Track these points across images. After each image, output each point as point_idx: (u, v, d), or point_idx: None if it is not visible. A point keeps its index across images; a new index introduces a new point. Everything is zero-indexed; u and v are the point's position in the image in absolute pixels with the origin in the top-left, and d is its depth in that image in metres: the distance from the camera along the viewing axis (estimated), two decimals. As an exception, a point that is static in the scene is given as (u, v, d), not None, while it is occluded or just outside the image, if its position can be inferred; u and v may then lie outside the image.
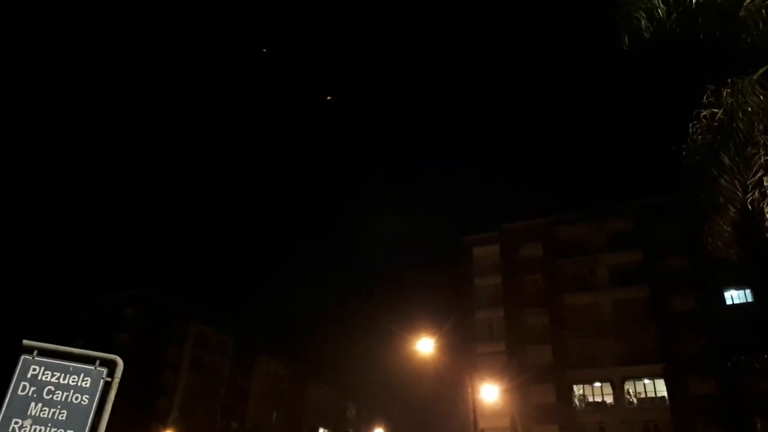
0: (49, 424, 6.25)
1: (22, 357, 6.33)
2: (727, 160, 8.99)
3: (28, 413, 6.20)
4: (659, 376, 41.52)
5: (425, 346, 20.52)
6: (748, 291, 41.51)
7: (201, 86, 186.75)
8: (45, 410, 6.27)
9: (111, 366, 6.74)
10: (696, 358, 40.45)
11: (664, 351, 41.70)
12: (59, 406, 6.33)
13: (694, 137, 9.31)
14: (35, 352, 6.41)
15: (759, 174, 8.55)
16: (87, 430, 6.39)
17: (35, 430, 6.19)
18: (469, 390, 23.01)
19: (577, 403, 43.35)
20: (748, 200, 8.71)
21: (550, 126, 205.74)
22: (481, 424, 26.47)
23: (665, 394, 41.16)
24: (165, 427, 58.49)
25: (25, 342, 6.35)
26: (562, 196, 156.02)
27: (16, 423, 6.13)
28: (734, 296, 41.94)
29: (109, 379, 6.66)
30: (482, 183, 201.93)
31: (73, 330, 65.51)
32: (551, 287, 47.36)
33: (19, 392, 6.24)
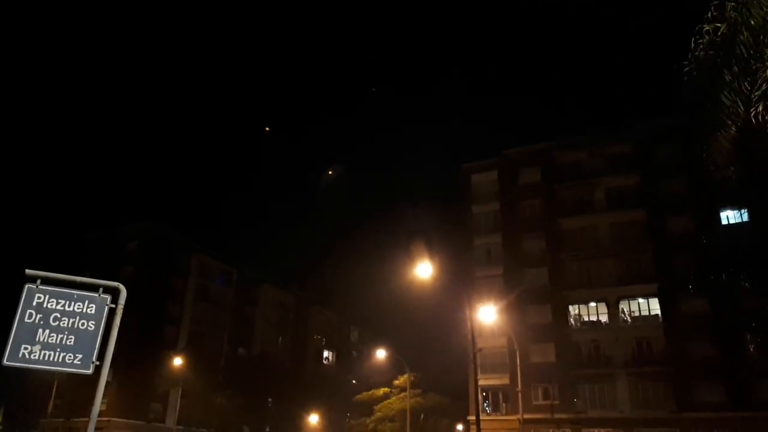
0: (58, 349, 6.45)
1: (26, 286, 6.45)
2: (728, 76, 8.83)
3: (37, 339, 6.38)
4: (653, 296, 42.53)
5: (424, 271, 20.79)
6: (744, 211, 41.85)
7: (203, 24, 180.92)
8: (53, 336, 6.46)
9: (114, 293, 6.88)
10: (690, 277, 41.24)
11: (659, 271, 42.50)
12: (66, 332, 6.52)
13: (697, 54, 9.11)
14: (39, 281, 6.52)
15: (764, 87, 8.41)
16: (95, 354, 6.60)
17: (45, 355, 6.40)
18: (468, 312, 23.59)
19: (573, 322, 44.59)
20: (752, 114, 8.61)
21: (549, 51, 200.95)
22: (480, 344, 27.32)
23: (659, 312, 42.28)
24: (174, 354, 60.34)
25: (28, 271, 6.46)
26: (562, 122, 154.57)
27: (26, 348, 6.33)
28: (730, 216, 42.33)
29: (113, 306, 6.81)
30: (483, 111, 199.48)
31: (80, 265, 66.46)
32: (549, 212, 47.70)
33: (26, 320, 6.40)
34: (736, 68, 8.65)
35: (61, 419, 60.16)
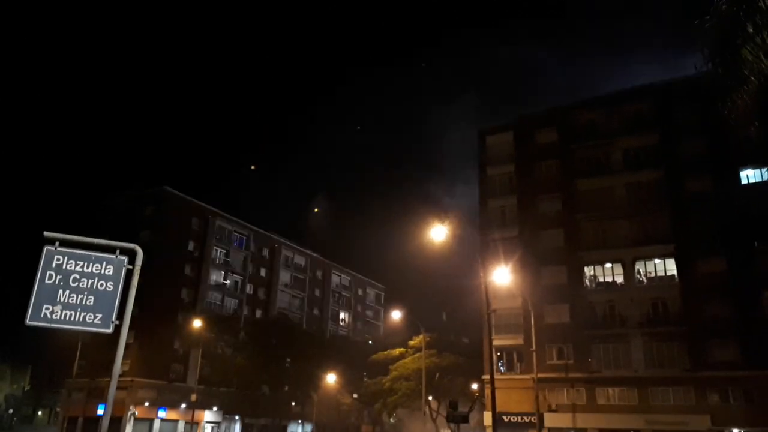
0: (78, 309, 6.60)
1: (45, 248, 6.57)
2: (751, 29, 8.55)
3: (57, 300, 6.53)
4: (670, 256, 42.24)
5: (438, 233, 20.81)
6: (765, 170, 41.13)
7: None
8: (73, 297, 6.60)
9: (131, 254, 6.99)
10: (708, 237, 40.92)
11: (676, 232, 42.14)
12: (86, 293, 6.65)
13: (718, 6, 8.82)
14: (57, 243, 6.63)
15: None
16: (114, 314, 6.75)
17: (66, 315, 6.55)
18: (482, 274, 23.69)
19: (588, 283, 44.56)
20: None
21: (567, 11, 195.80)
22: (494, 305, 27.54)
23: (675, 272, 42.07)
24: (194, 316, 61.53)
25: (47, 233, 6.57)
26: (579, 82, 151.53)
27: (47, 309, 6.49)
28: (750, 176, 41.64)
29: (130, 267, 6.93)
30: (502, 74, 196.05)
31: (97, 230, 67.39)
32: (565, 172, 47.21)
33: (47, 281, 6.54)
34: (759, 21, 8.37)
35: (86, 379, 62.00)
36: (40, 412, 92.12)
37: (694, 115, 43.34)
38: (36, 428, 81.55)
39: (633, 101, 46.50)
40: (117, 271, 6.83)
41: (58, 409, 78.04)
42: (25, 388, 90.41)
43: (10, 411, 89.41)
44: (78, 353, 64.60)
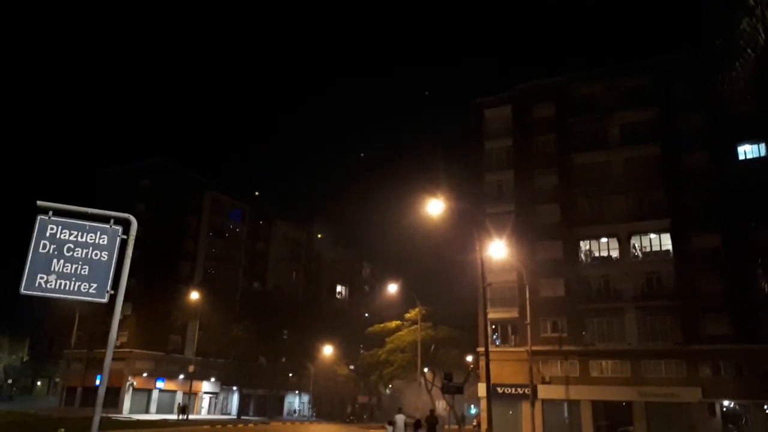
0: (73, 279, 6.62)
1: (39, 217, 6.56)
2: (752, 2, 8.48)
3: (52, 269, 6.54)
4: (666, 231, 42.42)
5: (434, 207, 20.80)
6: (762, 145, 41.11)
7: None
8: (67, 266, 6.61)
9: (125, 224, 6.98)
10: (703, 212, 41.07)
11: (672, 207, 42.26)
12: (80, 262, 6.67)
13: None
14: (50, 213, 6.62)
15: None
16: (109, 283, 6.77)
17: (60, 284, 6.57)
18: (478, 248, 23.76)
19: (583, 258, 44.81)
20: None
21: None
22: (490, 279, 27.64)
23: (670, 247, 42.30)
24: (191, 288, 61.80)
25: (40, 203, 6.55)
26: (577, 55, 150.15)
27: (42, 278, 6.50)
28: (747, 151, 41.62)
29: (124, 237, 6.93)
30: (496, 45, 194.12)
31: (91, 202, 67.11)
32: (562, 147, 47.10)
33: (41, 250, 6.54)
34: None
35: (84, 350, 62.54)
36: (39, 383, 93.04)
37: (693, 90, 43.18)
38: (35, 398, 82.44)
39: (632, 75, 46.21)
40: (111, 241, 6.83)
41: (57, 380, 78.84)
42: (24, 359, 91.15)
43: (9, 381, 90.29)
44: (76, 324, 65.02)
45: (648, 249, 43.32)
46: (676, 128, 43.61)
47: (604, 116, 46.12)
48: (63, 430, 24.81)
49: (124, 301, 7.11)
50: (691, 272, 40.58)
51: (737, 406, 39.02)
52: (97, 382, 57.20)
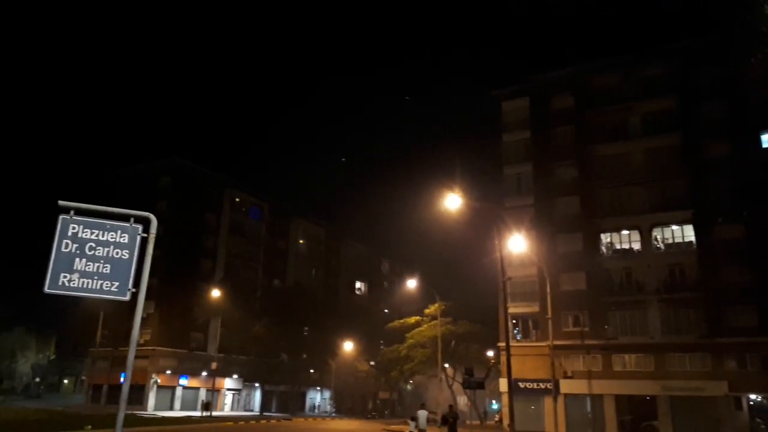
0: (95, 277, 6.70)
1: (61, 217, 6.64)
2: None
3: (75, 268, 6.63)
4: (688, 222, 41.78)
5: (453, 202, 20.74)
6: (787, 133, 40.26)
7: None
8: (90, 265, 6.70)
9: (145, 223, 7.05)
10: (726, 203, 40.37)
11: (694, 197, 41.60)
12: (102, 261, 6.75)
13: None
14: (72, 212, 6.70)
15: None
16: (131, 281, 6.84)
17: (83, 283, 6.65)
18: (497, 242, 23.64)
19: (604, 250, 44.32)
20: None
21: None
22: (509, 273, 27.45)
23: (693, 239, 41.67)
24: (212, 286, 62.36)
25: (61, 202, 6.63)
26: (594, 45, 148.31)
27: (65, 277, 6.59)
28: (772, 139, 40.80)
29: (145, 235, 7.00)
30: (514, 35, 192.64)
31: (111, 201, 67.88)
32: (581, 138, 46.58)
33: (63, 249, 6.63)
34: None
35: (109, 349, 63.44)
36: (65, 381, 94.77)
37: (713, 78, 42.43)
38: (63, 396, 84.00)
39: (650, 64, 45.51)
40: (132, 239, 6.90)
41: (83, 378, 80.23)
42: (51, 358, 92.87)
43: (37, 379, 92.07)
44: (100, 323, 66.01)
45: (670, 240, 42.72)
46: (696, 117, 42.89)
47: (623, 106, 45.51)
48: (90, 427, 25.22)
49: (146, 299, 7.19)
50: (715, 264, 39.93)
51: (765, 400, 38.37)
52: (122, 379, 58.01)
